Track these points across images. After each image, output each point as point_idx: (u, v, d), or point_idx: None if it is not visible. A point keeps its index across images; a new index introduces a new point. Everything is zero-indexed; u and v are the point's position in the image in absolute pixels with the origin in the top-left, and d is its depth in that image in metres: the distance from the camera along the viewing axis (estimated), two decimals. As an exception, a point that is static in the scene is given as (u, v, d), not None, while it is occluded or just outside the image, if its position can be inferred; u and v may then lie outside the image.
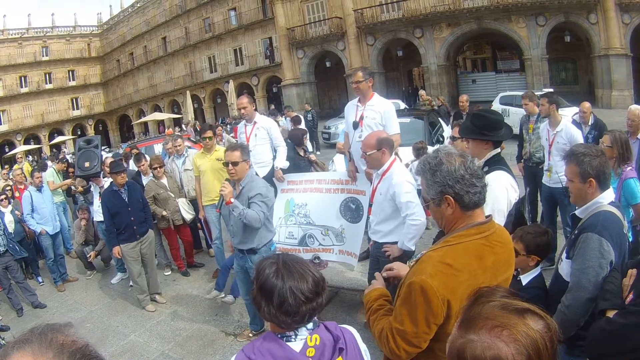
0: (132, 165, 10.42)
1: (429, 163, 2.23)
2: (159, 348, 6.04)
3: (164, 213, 8.11)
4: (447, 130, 11.63)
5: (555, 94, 7.11)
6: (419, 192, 3.95)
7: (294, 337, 1.89)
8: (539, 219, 7.33)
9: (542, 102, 6.74)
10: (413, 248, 4.49)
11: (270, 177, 6.74)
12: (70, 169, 10.78)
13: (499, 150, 3.84)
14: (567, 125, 6.36)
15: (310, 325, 1.92)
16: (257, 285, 1.92)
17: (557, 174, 6.21)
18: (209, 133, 7.53)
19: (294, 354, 1.84)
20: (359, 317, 5.66)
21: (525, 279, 3.51)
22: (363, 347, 2.07)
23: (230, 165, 4.98)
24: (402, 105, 21.51)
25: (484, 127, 3.78)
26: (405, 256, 4.24)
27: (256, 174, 5.78)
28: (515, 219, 3.71)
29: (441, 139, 10.95)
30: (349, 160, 6.26)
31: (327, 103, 39.21)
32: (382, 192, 4.58)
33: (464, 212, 2.18)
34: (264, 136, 7.09)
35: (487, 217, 2.25)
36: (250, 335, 5.77)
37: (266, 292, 1.87)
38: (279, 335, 1.90)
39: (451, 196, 2.15)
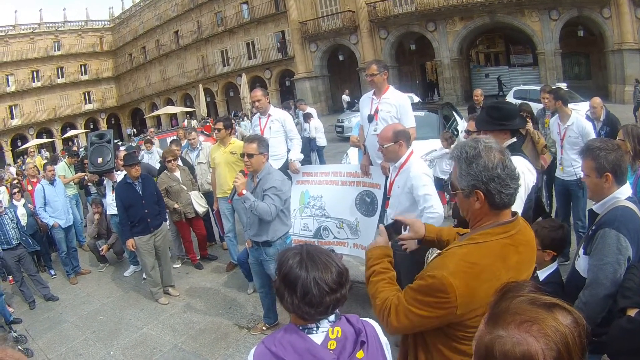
0: (145, 159, 10.45)
1: (466, 152, 2.11)
2: (171, 341, 6.05)
3: (176, 206, 8.13)
4: (462, 124, 11.57)
5: (562, 89, 6.95)
6: (436, 182, 3.94)
7: (315, 329, 1.86)
8: (553, 214, 7.27)
9: (548, 97, 6.68)
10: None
11: (284, 170, 6.68)
12: (85, 161, 10.79)
13: (514, 139, 3.91)
14: (578, 119, 6.29)
15: (332, 318, 1.90)
16: (281, 276, 1.90)
17: (571, 166, 6.17)
18: (219, 125, 7.53)
19: (316, 347, 1.81)
20: (373, 312, 5.63)
21: (542, 274, 3.47)
22: (384, 340, 2.03)
23: (246, 157, 4.98)
24: (416, 99, 21.40)
25: (502, 118, 3.86)
26: (422, 250, 4.21)
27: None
28: (535, 205, 3.71)
29: (455, 132, 10.86)
30: (363, 153, 6.21)
31: (340, 96, 39.18)
32: (400, 185, 4.51)
33: (491, 210, 2.11)
34: (279, 129, 7.07)
35: (513, 214, 2.18)
36: (264, 328, 5.76)
37: (290, 283, 1.85)
38: (301, 327, 1.88)
39: (482, 192, 2.07)
